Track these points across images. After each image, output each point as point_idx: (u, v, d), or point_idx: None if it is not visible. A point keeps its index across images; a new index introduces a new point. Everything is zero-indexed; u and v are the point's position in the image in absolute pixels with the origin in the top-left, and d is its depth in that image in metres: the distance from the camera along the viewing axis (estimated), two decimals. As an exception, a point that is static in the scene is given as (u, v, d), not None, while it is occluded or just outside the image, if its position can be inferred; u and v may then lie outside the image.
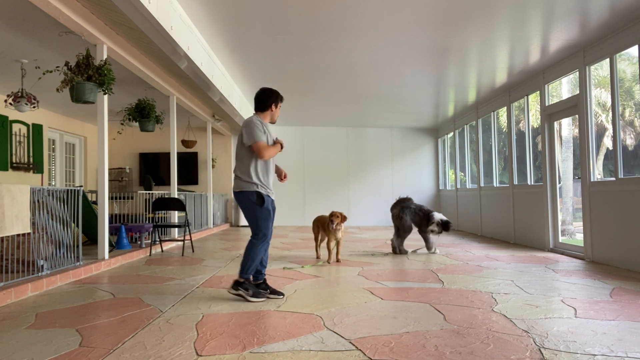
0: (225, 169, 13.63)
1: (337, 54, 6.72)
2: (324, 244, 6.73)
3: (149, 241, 7.56)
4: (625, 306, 3.73)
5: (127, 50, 6.09)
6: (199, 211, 10.85)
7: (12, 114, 8.99)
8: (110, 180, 12.48)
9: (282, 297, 4.13)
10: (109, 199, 7.09)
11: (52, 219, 4.98)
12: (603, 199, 6.06)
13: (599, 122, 9.85)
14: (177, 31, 5.07)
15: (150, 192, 9.36)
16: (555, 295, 4.13)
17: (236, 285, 4.01)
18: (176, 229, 8.69)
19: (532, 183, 8.12)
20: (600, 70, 7.74)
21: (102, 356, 2.64)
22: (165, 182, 12.73)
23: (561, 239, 7.39)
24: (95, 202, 7.27)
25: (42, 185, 9.94)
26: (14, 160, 9.24)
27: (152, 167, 13.28)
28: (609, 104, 6.13)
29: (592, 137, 6.36)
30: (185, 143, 12.15)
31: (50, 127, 10.61)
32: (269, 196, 4.13)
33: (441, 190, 13.61)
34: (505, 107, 9.05)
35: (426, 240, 7.13)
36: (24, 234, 4.77)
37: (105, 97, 5.67)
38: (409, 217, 7.08)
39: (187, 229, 7.37)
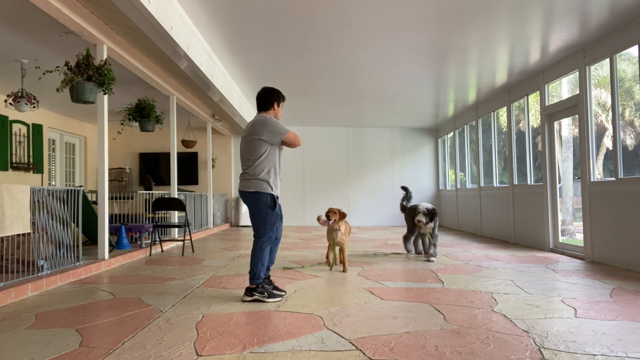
0: (225, 169, 13.63)
1: (337, 54, 6.72)
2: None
3: (149, 241, 7.56)
4: (625, 306, 3.72)
5: (127, 50, 6.09)
6: (199, 211, 10.85)
7: (12, 114, 8.99)
8: (110, 180, 12.48)
9: (284, 294, 4.18)
10: (109, 199, 7.10)
11: (52, 219, 4.98)
12: (603, 199, 6.06)
13: (599, 122, 9.85)
14: (177, 31, 5.07)
15: (150, 192, 9.36)
16: (555, 295, 4.13)
17: (250, 291, 3.97)
18: (176, 229, 8.69)
19: (532, 183, 8.12)
20: (600, 70, 7.75)
21: (102, 356, 2.64)
22: (165, 182, 12.73)
23: (561, 239, 7.39)
24: (95, 202, 7.27)
25: (42, 185, 9.94)
26: (14, 160, 9.24)
27: (152, 167, 13.27)
28: (609, 104, 6.13)
29: (592, 137, 6.36)
30: (185, 143, 12.15)
31: (50, 127, 10.61)
32: (278, 198, 4.17)
33: (441, 190, 13.61)
34: (505, 107, 9.05)
35: (422, 243, 6.73)
36: (24, 234, 4.77)
37: (105, 97, 5.67)
38: (409, 216, 6.92)
39: (187, 229, 7.37)
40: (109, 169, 12.65)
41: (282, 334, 3.03)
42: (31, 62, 6.75)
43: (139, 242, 7.58)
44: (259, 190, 4.03)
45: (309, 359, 2.59)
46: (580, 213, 6.70)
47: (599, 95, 9.33)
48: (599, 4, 5.00)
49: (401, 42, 6.21)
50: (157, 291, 4.43)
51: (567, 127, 10.90)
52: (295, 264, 6.05)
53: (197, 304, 3.91)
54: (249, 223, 13.21)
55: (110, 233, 7.08)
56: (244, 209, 13.23)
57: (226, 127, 12.70)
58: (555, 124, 7.52)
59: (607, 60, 5.97)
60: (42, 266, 4.73)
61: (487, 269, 5.63)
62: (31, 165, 9.66)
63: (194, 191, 11.62)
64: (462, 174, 11.99)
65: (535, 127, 8.53)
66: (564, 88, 8.52)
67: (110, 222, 8.20)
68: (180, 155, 12.42)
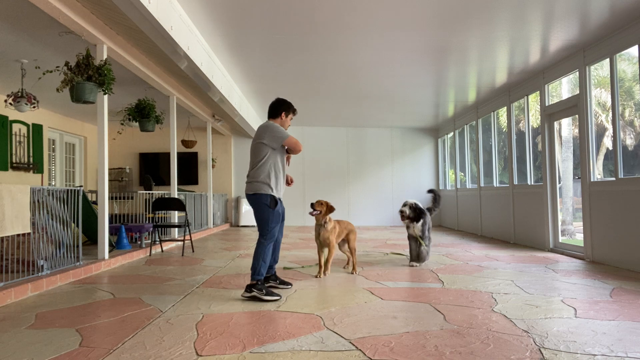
0: (225, 169, 13.63)
1: (337, 54, 6.72)
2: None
3: (149, 241, 7.56)
4: (625, 306, 3.72)
5: (127, 50, 6.09)
6: (199, 211, 10.85)
7: (12, 114, 8.98)
8: (110, 180, 12.48)
9: (289, 287, 4.45)
10: (109, 199, 7.10)
11: (52, 219, 4.98)
12: (603, 199, 6.06)
13: (599, 122, 9.85)
14: (177, 31, 5.07)
15: (150, 192, 9.36)
16: (555, 295, 4.13)
17: (249, 288, 4.08)
18: (176, 229, 8.69)
19: (532, 183, 8.12)
20: (600, 70, 7.74)
21: (102, 356, 2.64)
22: (165, 182, 12.72)
23: (561, 239, 7.39)
24: (95, 202, 7.27)
25: (42, 185, 9.94)
26: (14, 160, 9.24)
27: (152, 167, 13.27)
28: (609, 104, 6.13)
29: (592, 137, 6.36)
30: (185, 143, 12.15)
31: (50, 127, 10.61)
32: (280, 199, 4.34)
33: (441, 190, 13.60)
34: (505, 107, 9.05)
35: (410, 248, 6.02)
36: (24, 234, 4.77)
37: (105, 97, 5.67)
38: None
39: (187, 229, 7.37)
40: (109, 169, 12.64)
41: (282, 334, 3.03)
42: (31, 62, 6.75)
43: (139, 242, 7.58)
44: (258, 192, 4.22)
45: (309, 359, 2.59)
46: (580, 213, 6.70)
47: (599, 95, 9.32)
48: (599, 4, 5.00)
49: (401, 42, 6.21)
50: (157, 291, 4.43)
51: (567, 127, 10.90)
52: (296, 264, 6.05)
53: (197, 304, 3.91)
54: (249, 223, 13.23)
55: (110, 233, 7.08)
56: (244, 209, 13.24)
57: (226, 127, 12.70)
58: (555, 124, 7.52)
59: (607, 60, 5.97)
60: (42, 266, 4.73)
61: (487, 269, 5.62)
62: (31, 165, 9.66)
63: (194, 191, 11.62)
64: (462, 174, 11.99)
65: (535, 127, 8.53)
66: (564, 88, 8.51)
67: (110, 222, 8.20)
68: (180, 155, 12.41)
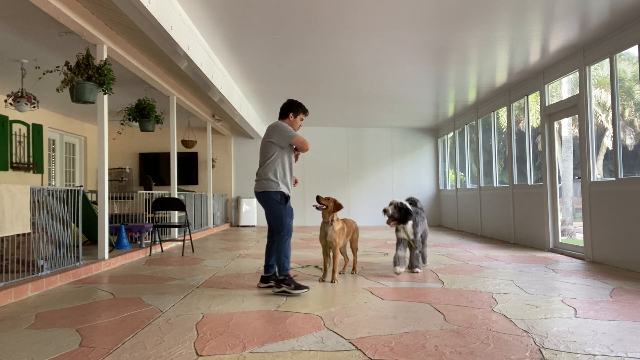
0: (225, 169, 13.63)
1: (337, 54, 6.72)
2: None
3: (149, 241, 7.56)
4: (625, 306, 3.72)
5: (127, 50, 6.09)
6: (199, 211, 10.85)
7: (12, 114, 8.98)
8: (110, 180, 12.48)
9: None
10: (109, 199, 7.10)
11: (52, 219, 4.98)
12: (603, 199, 6.06)
13: (599, 122, 9.85)
14: (177, 31, 5.07)
15: (150, 192, 9.36)
16: (555, 295, 4.13)
17: (278, 283, 4.25)
18: (176, 229, 8.69)
19: (532, 183, 8.12)
20: (600, 70, 7.74)
21: (102, 356, 2.64)
22: (165, 182, 12.73)
23: (561, 239, 7.39)
24: (95, 202, 7.27)
25: (42, 185, 9.94)
26: (14, 160, 9.24)
27: (152, 167, 13.27)
28: (609, 104, 6.13)
29: (592, 137, 6.36)
30: (185, 143, 12.15)
31: (50, 127, 10.61)
32: (290, 196, 4.41)
33: (441, 190, 13.61)
34: (505, 107, 9.05)
35: (397, 253, 5.32)
36: (24, 234, 4.77)
37: (105, 97, 5.67)
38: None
39: (187, 229, 7.37)
40: (109, 169, 12.65)
41: (282, 334, 3.03)
42: (31, 62, 6.75)
43: (139, 242, 7.58)
44: (267, 190, 4.31)
45: (308, 359, 2.59)
46: (580, 213, 6.70)
47: (599, 95, 9.32)
48: (599, 4, 5.00)
49: (401, 42, 6.21)
50: (157, 291, 4.43)
51: (567, 127, 10.89)
52: (296, 264, 6.05)
53: (197, 304, 3.91)
54: (249, 223, 13.23)
55: (110, 233, 7.08)
56: (244, 209, 13.24)
57: (226, 127, 12.70)
58: (555, 124, 7.52)
59: (607, 60, 5.97)
60: (42, 266, 4.73)
61: (487, 269, 5.62)
62: (31, 165, 9.66)
63: (194, 191, 11.62)
64: (462, 174, 11.99)
65: (535, 127, 8.53)
66: (564, 88, 8.51)
67: (110, 222, 8.20)
68: (180, 155, 12.42)
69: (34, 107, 7.10)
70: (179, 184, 12.00)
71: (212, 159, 12.89)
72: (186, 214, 7.52)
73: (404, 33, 5.88)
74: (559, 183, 7.55)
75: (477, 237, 9.71)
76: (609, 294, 4.17)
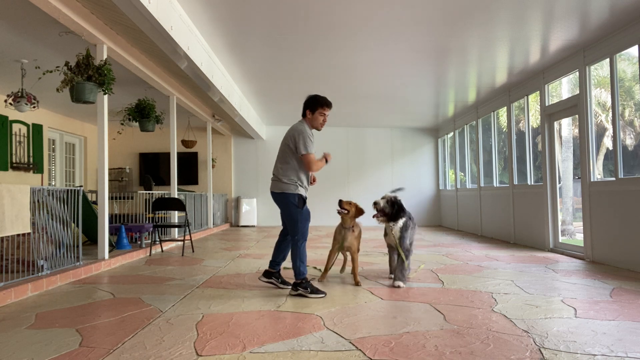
0: (225, 169, 13.63)
1: (337, 54, 6.72)
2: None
3: (149, 241, 7.56)
4: (625, 306, 3.72)
5: (127, 50, 6.09)
6: (199, 211, 10.85)
7: (12, 114, 8.98)
8: (110, 180, 12.48)
9: (290, 287, 4.37)
10: (109, 199, 7.10)
11: (52, 219, 4.98)
12: (603, 199, 6.06)
13: (599, 122, 9.85)
14: (177, 31, 5.07)
15: (150, 192, 9.36)
16: (555, 295, 4.13)
17: (295, 286, 4.21)
18: (176, 229, 8.69)
19: (532, 183, 8.12)
20: (600, 70, 7.74)
21: (102, 356, 2.64)
22: (165, 182, 12.73)
23: (561, 239, 7.39)
24: (95, 202, 7.27)
25: (42, 185, 9.94)
26: (14, 160, 9.24)
27: (152, 167, 13.27)
28: (609, 104, 6.13)
29: (592, 137, 6.36)
30: (185, 143, 12.15)
31: (50, 127, 10.61)
32: (306, 198, 4.35)
33: (441, 190, 13.61)
34: (505, 107, 9.05)
35: (390, 259, 4.88)
36: (24, 234, 4.77)
37: (105, 97, 5.67)
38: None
39: (187, 229, 7.36)
40: (109, 169, 12.65)
41: (282, 334, 3.03)
42: (31, 62, 6.75)
43: (139, 242, 7.58)
44: (285, 191, 4.23)
45: (308, 359, 2.59)
46: (580, 213, 6.70)
47: (599, 95, 9.32)
48: (599, 4, 5.00)
49: (401, 42, 6.21)
50: (157, 291, 4.43)
51: (567, 127, 10.89)
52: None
53: (197, 304, 3.91)
54: (249, 223, 13.22)
55: (110, 233, 7.08)
56: (244, 208, 13.24)
57: (226, 127, 12.70)
58: (555, 124, 7.52)
59: (607, 60, 5.97)
60: (42, 266, 4.73)
61: (487, 269, 5.62)
62: (31, 165, 9.66)
63: (194, 191, 11.62)
64: (462, 174, 11.98)
65: (535, 127, 8.53)
66: (564, 88, 8.51)
67: (110, 222, 8.20)
68: (180, 155, 12.42)
69: (34, 107, 7.10)
70: (179, 184, 12.00)
71: (212, 159, 12.89)
72: (186, 214, 7.52)
73: (404, 33, 5.88)
74: (559, 183, 7.55)
75: (477, 237, 9.71)
76: (609, 294, 4.17)
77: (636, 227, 5.45)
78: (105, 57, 5.47)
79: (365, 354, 2.65)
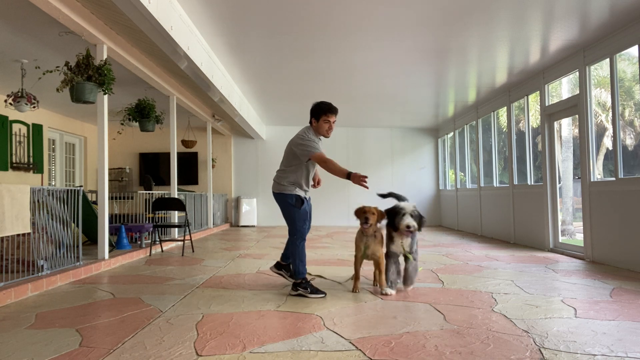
0: (225, 169, 13.63)
1: (337, 54, 6.72)
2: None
3: (149, 241, 7.56)
4: (625, 306, 3.72)
5: (127, 50, 6.09)
6: (199, 211, 10.85)
7: (12, 114, 8.98)
8: (110, 180, 12.48)
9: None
10: (109, 199, 7.09)
11: (52, 219, 4.98)
12: (603, 199, 6.06)
13: (599, 122, 9.85)
14: (177, 31, 5.07)
15: (150, 192, 9.36)
16: (555, 295, 4.13)
17: (295, 286, 4.22)
18: (176, 229, 8.69)
19: (532, 183, 8.12)
20: (600, 70, 7.74)
21: (102, 356, 2.64)
22: (165, 182, 12.72)
23: (561, 239, 7.39)
24: (95, 202, 7.26)
25: (42, 185, 9.94)
26: (14, 160, 9.24)
27: (152, 167, 13.27)
28: (609, 104, 6.13)
29: (592, 137, 6.36)
30: (185, 143, 12.15)
31: (50, 127, 10.61)
32: (306, 198, 4.36)
33: (441, 190, 13.61)
34: (505, 107, 9.05)
35: (390, 269, 4.44)
36: (24, 234, 4.77)
37: (105, 97, 5.67)
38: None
39: (187, 229, 7.36)
40: (109, 169, 12.64)
41: (282, 334, 3.03)
42: (31, 62, 6.75)
43: (139, 242, 7.58)
44: (282, 192, 4.28)
45: (308, 359, 2.59)
46: (580, 213, 6.70)
47: (599, 95, 9.32)
48: (599, 4, 5.00)
49: (401, 42, 6.21)
50: (157, 291, 4.43)
51: (567, 127, 10.89)
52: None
53: (197, 304, 3.90)
54: (249, 223, 13.23)
55: (110, 233, 7.08)
56: (244, 208, 13.24)
57: (226, 127, 12.70)
58: (555, 124, 7.52)
59: (607, 60, 5.97)
60: (42, 266, 4.73)
61: (487, 269, 5.62)
62: (31, 165, 9.66)
63: (194, 191, 11.61)
64: (462, 174, 11.98)
65: (535, 127, 8.53)
66: (564, 88, 8.51)
67: (110, 222, 8.20)
68: (180, 155, 12.41)
69: (34, 107, 7.10)
70: (179, 184, 11.99)
71: (212, 159, 12.89)
72: (186, 214, 7.52)
73: (405, 33, 5.88)
74: (559, 183, 7.55)
75: (477, 237, 9.71)
76: (609, 294, 4.17)
77: (636, 227, 5.45)
78: (105, 57, 5.47)
79: (365, 354, 2.65)
